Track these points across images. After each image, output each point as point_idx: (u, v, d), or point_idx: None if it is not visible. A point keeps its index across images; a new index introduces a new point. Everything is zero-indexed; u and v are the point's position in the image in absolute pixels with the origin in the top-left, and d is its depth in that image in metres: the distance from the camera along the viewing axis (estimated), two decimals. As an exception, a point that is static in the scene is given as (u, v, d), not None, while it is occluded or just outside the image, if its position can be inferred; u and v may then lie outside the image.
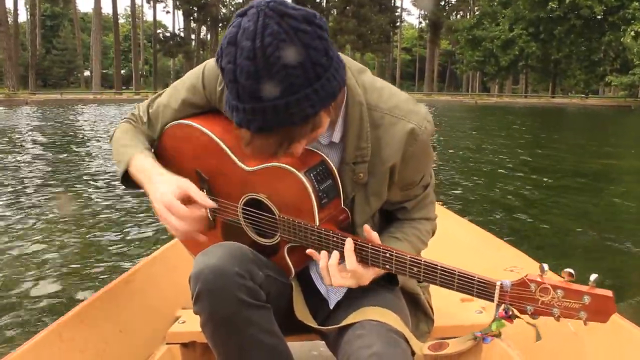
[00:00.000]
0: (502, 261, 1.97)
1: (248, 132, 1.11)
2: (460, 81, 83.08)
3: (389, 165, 1.32)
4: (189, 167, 1.47)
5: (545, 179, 8.51)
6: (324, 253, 1.28)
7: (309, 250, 1.30)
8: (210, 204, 1.34)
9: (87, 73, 72.22)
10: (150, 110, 1.53)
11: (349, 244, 1.25)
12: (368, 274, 1.28)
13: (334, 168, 1.34)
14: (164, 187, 1.32)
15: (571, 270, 1.06)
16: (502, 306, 1.16)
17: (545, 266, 1.09)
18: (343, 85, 1.15)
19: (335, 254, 1.27)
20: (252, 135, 1.11)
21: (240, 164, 1.37)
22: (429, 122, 1.33)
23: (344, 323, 1.32)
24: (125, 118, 1.59)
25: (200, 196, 1.33)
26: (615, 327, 1.48)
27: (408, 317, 1.43)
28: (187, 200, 1.32)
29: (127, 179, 1.43)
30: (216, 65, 1.10)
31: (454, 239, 2.55)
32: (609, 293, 1.04)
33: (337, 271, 1.27)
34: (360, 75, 1.34)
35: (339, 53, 1.22)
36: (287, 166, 1.28)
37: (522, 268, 1.12)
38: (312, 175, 1.28)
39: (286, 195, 1.31)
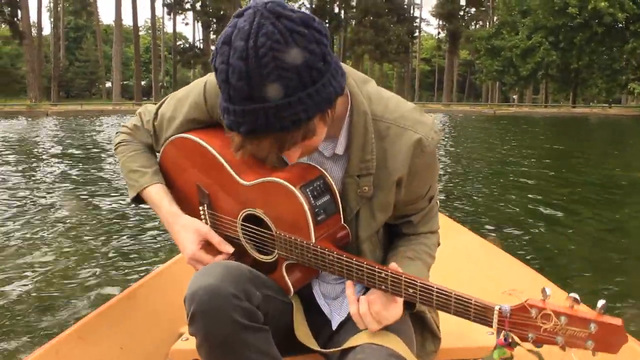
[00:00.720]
0: (508, 276, 1.88)
1: (239, 136, 1.07)
2: (480, 91, 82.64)
3: (395, 178, 1.27)
4: (190, 180, 1.47)
5: (562, 191, 8.31)
6: (354, 299, 1.26)
7: (348, 291, 1.28)
8: (228, 249, 1.39)
9: (108, 84, 73.27)
10: (155, 123, 1.52)
11: (358, 306, 1.26)
12: (396, 310, 1.26)
13: (332, 183, 1.29)
14: (187, 239, 1.39)
15: (576, 296, 0.97)
16: (502, 332, 1.08)
17: (548, 290, 1.00)
18: (340, 93, 1.09)
19: (364, 300, 1.25)
20: (242, 139, 1.07)
21: (238, 178, 1.34)
22: (435, 133, 1.28)
23: (344, 346, 1.28)
24: (126, 127, 1.58)
25: (218, 242, 1.39)
26: (633, 354, 1.39)
27: (413, 339, 1.37)
28: (207, 242, 1.40)
29: (137, 199, 1.50)
30: (210, 65, 1.08)
31: (460, 252, 2.47)
32: (618, 322, 0.94)
33: (372, 318, 1.24)
34: (364, 86, 1.29)
35: (342, 63, 1.19)
36: (282, 181, 1.24)
37: (522, 292, 1.03)
38: (308, 190, 1.24)
39: (282, 211, 1.28)
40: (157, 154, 1.56)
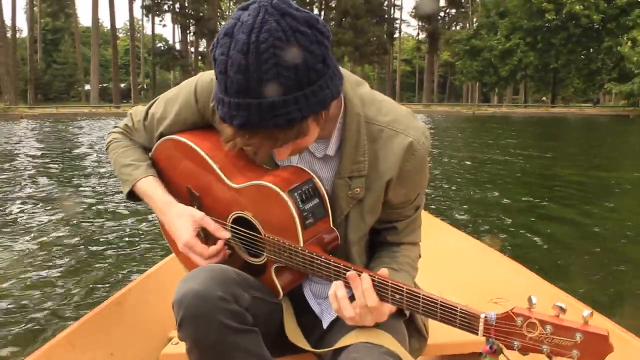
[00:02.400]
0: (498, 272, 1.88)
1: (231, 128, 1.07)
2: (461, 92, 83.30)
3: (385, 180, 1.28)
4: (180, 182, 1.47)
5: (535, 191, 8.38)
6: (338, 283, 1.22)
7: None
8: (225, 235, 1.35)
9: (88, 87, 72.26)
10: (145, 123, 1.51)
11: (366, 281, 1.18)
12: (386, 310, 1.21)
13: (322, 187, 1.29)
14: (182, 225, 1.36)
15: (562, 305, 0.97)
16: (489, 340, 1.07)
17: (534, 298, 1.00)
18: (336, 96, 1.11)
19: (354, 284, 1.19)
20: (234, 132, 1.07)
21: (227, 181, 1.35)
22: (426, 138, 1.30)
23: (337, 345, 1.27)
24: (117, 127, 1.58)
25: (215, 228, 1.36)
26: (622, 343, 1.43)
27: (405, 336, 1.37)
28: (202, 230, 1.38)
29: (132, 195, 1.47)
30: (209, 54, 1.09)
31: (446, 251, 2.48)
32: (604, 332, 0.94)
33: (348, 304, 1.20)
34: (358, 88, 1.30)
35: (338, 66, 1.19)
36: (270, 184, 1.25)
37: (507, 300, 1.02)
38: (296, 194, 1.24)
39: (271, 214, 1.28)
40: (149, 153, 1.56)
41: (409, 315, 1.44)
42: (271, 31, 0.98)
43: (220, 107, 1.07)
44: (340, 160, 1.29)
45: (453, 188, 8.72)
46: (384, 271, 1.20)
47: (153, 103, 1.52)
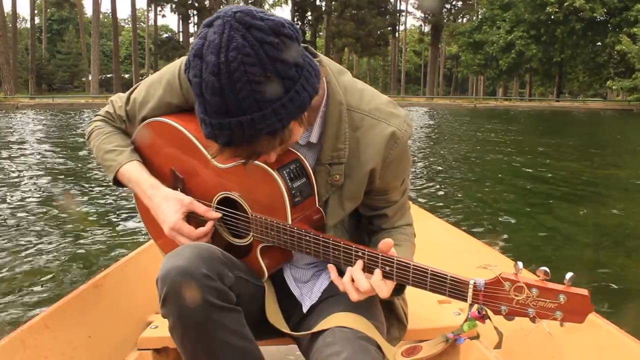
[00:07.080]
0: (478, 261, 1.92)
1: (217, 145, 1.09)
2: (467, 85, 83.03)
3: (368, 169, 1.30)
4: (164, 164, 1.46)
5: (529, 187, 8.33)
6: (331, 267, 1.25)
7: (329, 266, 1.26)
8: (215, 215, 1.36)
9: (91, 77, 72.11)
10: (127, 108, 1.51)
11: (358, 265, 1.21)
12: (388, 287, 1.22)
13: (308, 166, 1.31)
14: (168, 208, 1.36)
15: (546, 269, 1.02)
16: (475, 306, 1.12)
17: (520, 264, 1.05)
18: (314, 95, 1.11)
19: (349, 270, 1.22)
20: (220, 148, 1.10)
21: (213, 162, 1.35)
22: (408, 126, 1.31)
23: (315, 329, 1.30)
24: (98, 115, 1.57)
25: (205, 210, 1.37)
26: (594, 327, 1.46)
27: (382, 322, 1.40)
28: (190, 214, 1.37)
29: (117, 181, 1.46)
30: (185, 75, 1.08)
31: (429, 239, 2.51)
32: (584, 292, 0.99)
33: (352, 288, 1.22)
34: (341, 76, 1.32)
35: (320, 54, 1.21)
36: (259, 163, 1.26)
37: (496, 266, 1.06)
38: (284, 172, 1.26)
39: (259, 193, 1.29)
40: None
41: (390, 303, 1.47)
42: (239, 48, 0.98)
43: (203, 127, 1.08)
44: (321, 147, 1.31)
45: (446, 182, 8.67)
46: (384, 244, 1.21)
47: (135, 89, 1.52)
